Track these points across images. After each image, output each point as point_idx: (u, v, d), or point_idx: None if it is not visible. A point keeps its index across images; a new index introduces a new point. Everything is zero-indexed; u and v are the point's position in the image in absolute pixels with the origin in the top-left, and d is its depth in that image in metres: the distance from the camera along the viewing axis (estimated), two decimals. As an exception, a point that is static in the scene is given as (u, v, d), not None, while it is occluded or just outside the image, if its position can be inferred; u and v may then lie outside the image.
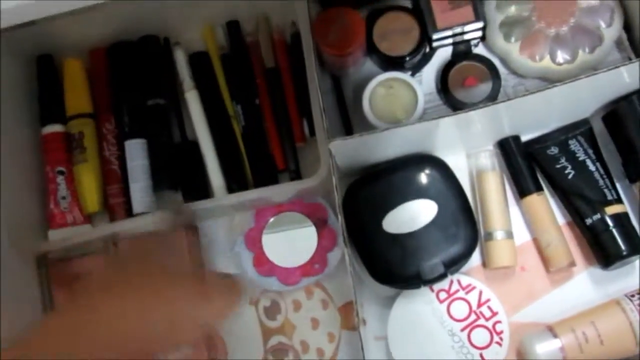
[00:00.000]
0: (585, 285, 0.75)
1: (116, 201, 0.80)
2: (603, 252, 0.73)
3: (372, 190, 0.73)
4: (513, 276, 0.76)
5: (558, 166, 0.75)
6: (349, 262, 0.66)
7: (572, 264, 0.74)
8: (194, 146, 0.80)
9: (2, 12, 0.48)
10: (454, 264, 0.71)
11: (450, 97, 0.76)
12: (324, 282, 0.78)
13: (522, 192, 0.76)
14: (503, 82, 0.76)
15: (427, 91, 0.77)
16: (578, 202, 0.74)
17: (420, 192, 0.72)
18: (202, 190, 0.79)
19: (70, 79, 0.83)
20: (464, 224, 0.72)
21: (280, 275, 0.77)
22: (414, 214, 0.71)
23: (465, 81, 0.75)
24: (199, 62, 0.82)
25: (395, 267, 0.71)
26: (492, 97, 0.75)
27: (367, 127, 0.76)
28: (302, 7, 0.73)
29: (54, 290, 0.79)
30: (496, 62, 0.77)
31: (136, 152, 0.79)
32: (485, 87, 0.76)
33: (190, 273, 0.64)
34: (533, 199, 0.75)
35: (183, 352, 0.73)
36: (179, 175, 0.80)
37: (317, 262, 0.76)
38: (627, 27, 0.76)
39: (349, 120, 0.78)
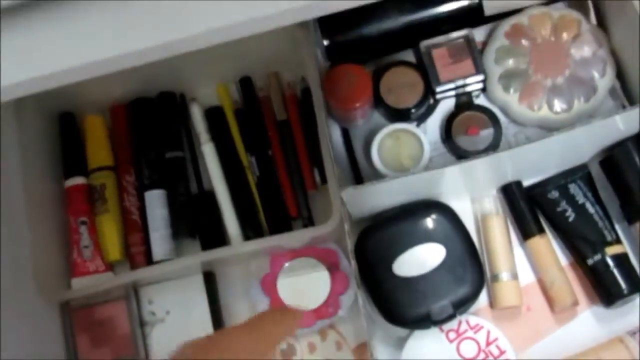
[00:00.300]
0: (589, 324, 0.78)
1: (137, 250, 0.84)
2: (605, 291, 0.76)
3: (382, 235, 0.76)
4: (519, 316, 0.79)
5: (559, 209, 0.79)
6: (362, 304, 0.69)
7: (576, 303, 0.77)
8: (211, 196, 0.84)
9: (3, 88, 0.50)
10: (462, 304, 0.74)
11: (454, 146, 0.80)
12: (338, 324, 0.81)
13: (525, 234, 0.80)
14: (504, 131, 0.80)
15: (432, 140, 0.81)
16: (579, 243, 0.78)
17: (428, 237, 0.75)
18: (219, 237, 0.83)
19: (92, 134, 0.87)
20: (470, 266, 0.75)
21: (295, 319, 0.80)
22: (423, 258, 0.75)
23: (468, 130, 0.79)
24: (214, 116, 0.86)
25: (406, 308, 0.74)
26: (494, 145, 0.79)
27: (376, 175, 0.80)
28: (311, 64, 0.78)
29: (77, 336, 0.82)
30: (497, 111, 0.81)
31: (156, 202, 0.83)
32: (488, 136, 0.80)
33: None
34: (536, 241, 0.79)
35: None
36: (197, 223, 0.84)
37: (331, 305, 0.80)
38: (620, 76, 0.81)
39: (358, 169, 0.82)
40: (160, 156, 0.85)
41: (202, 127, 0.85)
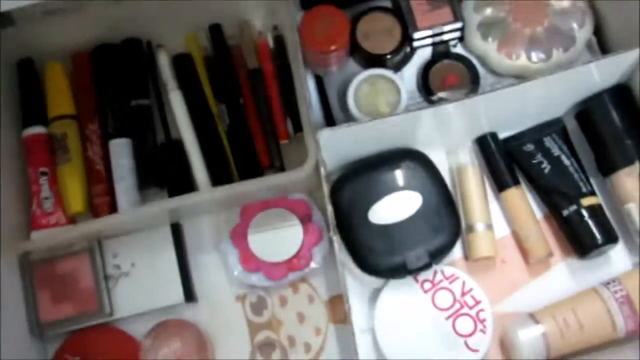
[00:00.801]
0: (563, 275, 0.78)
1: (101, 200, 0.80)
2: (579, 243, 0.76)
3: (357, 183, 0.74)
4: (494, 268, 0.78)
5: (534, 162, 0.78)
6: (338, 250, 0.68)
7: (550, 254, 0.77)
8: (179, 145, 0.81)
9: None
10: (439, 253, 0.73)
11: (431, 95, 0.78)
12: (310, 277, 0.79)
13: (500, 186, 0.79)
14: (481, 81, 0.79)
15: (408, 89, 0.79)
16: (554, 195, 0.77)
17: (404, 184, 0.74)
18: (188, 187, 0.80)
19: (52, 81, 0.83)
20: (447, 214, 0.74)
21: (266, 271, 0.77)
22: (399, 206, 0.73)
23: (446, 80, 0.78)
24: (182, 64, 0.83)
25: (381, 257, 0.73)
26: (471, 94, 0.78)
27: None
28: (286, 8, 0.75)
29: (37, 291, 0.78)
30: (474, 61, 0.80)
31: (121, 151, 0.80)
32: (465, 86, 0.78)
33: None
34: (511, 192, 0.78)
35: (172, 349, 0.74)
36: (164, 173, 0.81)
37: (303, 257, 0.77)
38: (597, 30, 0.80)
39: (333, 118, 0.79)
40: (126, 104, 0.82)
41: (169, 74, 0.82)
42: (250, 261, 0.78)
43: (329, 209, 0.68)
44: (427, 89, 0.78)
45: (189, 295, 0.79)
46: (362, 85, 0.76)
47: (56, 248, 0.79)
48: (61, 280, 0.79)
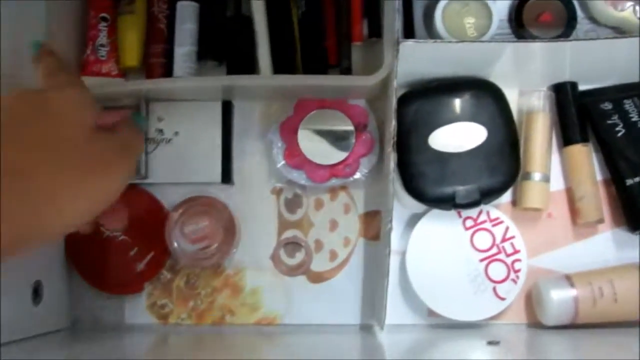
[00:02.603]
0: (608, 245, 0.75)
1: (156, 61, 0.77)
2: (634, 216, 0.73)
3: (425, 103, 0.71)
4: (539, 220, 0.76)
5: (609, 122, 0.74)
6: (392, 168, 0.65)
7: (601, 221, 0.74)
8: (247, 21, 0.76)
9: None
10: (490, 194, 0.70)
11: (521, 29, 0.73)
12: (351, 187, 0.77)
13: (567, 140, 0.75)
14: (577, 25, 0.74)
15: (499, 17, 0.74)
16: (621, 162, 0.73)
17: (473, 116, 0.70)
18: (248, 68, 0.76)
19: None
20: (508, 156, 0.70)
21: (309, 171, 0.75)
22: (462, 136, 0.70)
23: (541, 16, 0.73)
24: (268, -64, 0.78)
25: (432, 184, 0.70)
26: (563, 37, 0.73)
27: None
28: None
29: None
30: (575, 3, 0.74)
31: (187, 15, 0.76)
32: (558, 27, 0.73)
33: None
34: (577, 149, 0.74)
35: (199, 226, 0.72)
36: (226, 48, 0.77)
37: (349, 165, 0.75)
38: None
39: (413, 29, 0.75)
40: (202, -34, 0.77)
41: (253, -56, 0.77)
42: (295, 157, 0.75)
43: (393, 123, 0.65)
44: (519, 21, 0.73)
45: (226, 176, 0.77)
46: (452, 3, 0.71)
47: (102, 99, 0.76)
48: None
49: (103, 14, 0.77)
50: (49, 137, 0.48)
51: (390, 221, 0.64)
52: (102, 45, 0.77)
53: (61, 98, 0.51)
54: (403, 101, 0.71)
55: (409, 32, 0.75)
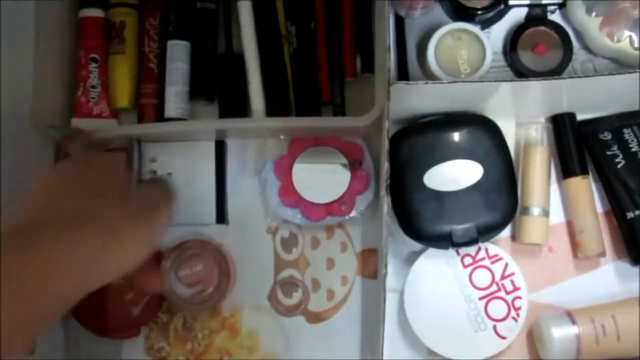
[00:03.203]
0: (610, 278, 0.74)
1: (148, 101, 0.76)
2: (637, 249, 0.71)
3: (419, 141, 0.70)
4: (539, 255, 0.74)
5: (609, 153, 0.73)
6: (386, 211, 0.64)
7: (603, 254, 0.73)
8: (239, 59, 0.76)
9: None
10: (488, 231, 0.69)
11: (516, 61, 0.72)
12: (348, 224, 0.76)
13: (566, 172, 0.74)
14: (573, 56, 0.72)
15: (493, 49, 0.73)
16: (622, 194, 0.72)
17: (469, 153, 0.69)
18: (240, 107, 0.76)
19: (118, -36, 0.78)
20: (506, 193, 0.69)
21: (304, 209, 0.74)
22: (458, 174, 0.69)
23: (536, 47, 0.72)
24: (257, -28, 0.77)
25: (428, 223, 0.69)
26: (560, 70, 0.72)
27: (424, 75, 0.73)
28: None
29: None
30: (570, 33, 0.73)
31: (178, 54, 0.75)
32: (554, 58, 0.72)
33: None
34: (577, 181, 0.73)
35: (193, 270, 0.71)
36: (218, 86, 0.76)
37: (345, 202, 0.74)
38: None
39: (406, 64, 0.74)
40: (191, 4, 0.76)
41: (243, -19, 0.76)
42: (290, 195, 0.74)
43: (386, 165, 0.63)
44: (513, 53, 0.72)
45: (221, 216, 0.76)
46: (446, 37, 0.70)
47: (96, 141, 0.75)
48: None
49: (93, 55, 0.77)
50: (101, 187, 0.53)
51: (385, 266, 0.63)
52: (93, 87, 0.77)
53: (96, 159, 0.60)
54: (397, 139, 0.70)
55: (402, 68, 0.74)
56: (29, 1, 0.70)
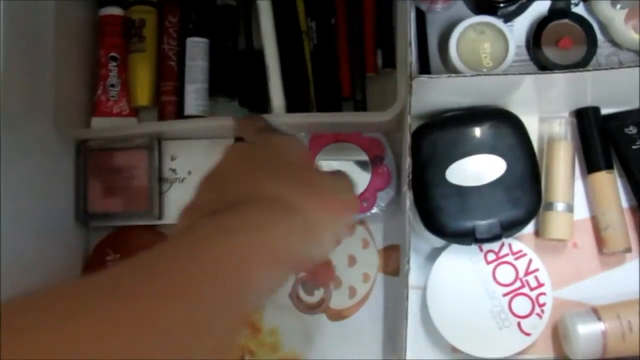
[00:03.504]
0: (635, 274, 0.73)
1: (168, 99, 0.76)
2: (663, 244, 0.70)
3: (441, 136, 0.69)
4: (564, 251, 0.73)
5: (634, 147, 0.72)
6: (409, 207, 0.63)
7: (628, 250, 0.72)
8: (259, 56, 0.75)
9: None
10: (511, 227, 0.68)
11: (539, 55, 0.71)
12: (369, 221, 0.75)
13: (591, 167, 0.73)
14: (598, 50, 0.71)
15: (516, 43, 0.72)
16: (648, 188, 0.71)
17: (492, 148, 0.68)
18: (260, 103, 0.75)
19: (138, -38, 0.78)
20: (529, 188, 0.68)
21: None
22: (481, 169, 0.68)
23: (560, 41, 0.71)
24: (277, -32, 0.76)
25: (451, 219, 0.68)
26: (584, 63, 0.71)
27: (446, 69, 0.72)
28: None
29: (89, 180, 0.76)
30: (595, 26, 0.72)
31: (198, 51, 0.75)
32: (578, 51, 0.71)
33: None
34: (601, 176, 0.72)
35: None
36: (238, 83, 0.76)
37: (366, 199, 0.73)
38: None
39: (428, 59, 0.73)
40: (211, 2, 0.76)
41: (262, -22, 0.76)
42: (310, 193, 0.74)
43: (408, 160, 0.63)
44: (537, 47, 0.71)
45: (241, 214, 0.75)
46: (468, 31, 0.69)
47: (115, 139, 0.76)
48: (115, 172, 0.76)
49: (113, 53, 0.77)
50: (290, 170, 0.46)
51: (408, 262, 0.63)
52: (112, 85, 0.77)
53: (274, 139, 0.51)
54: (419, 134, 0.69)
55: (423, 62, 0.73)
56: (49, 1, 0.70)
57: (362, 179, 0.73)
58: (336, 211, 0.47)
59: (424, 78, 0.62)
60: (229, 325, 0.37)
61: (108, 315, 0.31)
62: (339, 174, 0.52)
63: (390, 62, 0.73)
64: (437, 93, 0.67)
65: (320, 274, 0.56)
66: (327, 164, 0.73)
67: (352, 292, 0.75)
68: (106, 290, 0.33)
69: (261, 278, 0.39)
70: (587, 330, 0.68)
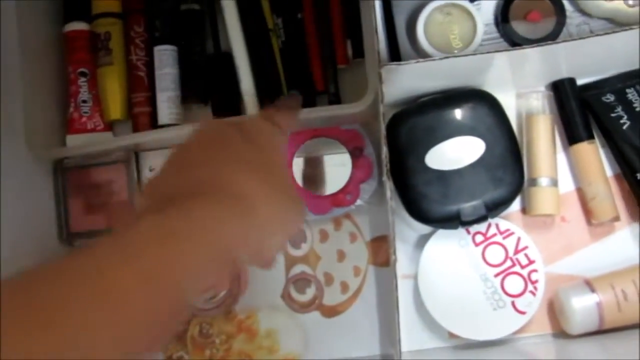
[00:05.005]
0: (627, 242, 0.72)
1: (141, 110, 0.75)
2: (651, 209, 0.70)
3: (417, 122, 0.68)
4: (552, 226, 0.73)
5: (613, 115, 0.71)
6: (390, 197, 0.62)
7: (617, 218, 0.71)
8: (228, 58, 0.75)
9: None
10: (496, 207, 0.67)
11: (509, 31, 0.70)
12: (355, 214, 0.75)
13: (572, 139, 0.72)
14: (567, 20, 0.71)
15: (484, 22, 0.71)
16: (631, 155, 0.70)
17: (469, 129, 0.67)
18: (234, 105, 0.74)
19: (98, -26, 0.77)
20: (511, 166, 0.67)
21: (309, 203, 0.73)
22: (460, 151, 0.67)
23: (529, 15, 0.70)
24: (238, -33, 0.76)
25: (435, 204, 0.67)
26: (554, 35, 0.70)
27: (417, 55, 0.71)
28: None
29: (69, 199, 0.75)
30: (562, -3, 0.71)
31: (166, 59, 0.74)
32: (548, 24, 0.70)
33: None
34: (583, 147, 0.71)
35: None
36: (209, 87, 0.75)
37: (350, 192, 0.73)
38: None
39: (397, 45, 0.72)
40: (175, 8, 0.75)
41: (224, -21, 0.75)
42: (293, 191, 0.73)
43: (384, 150, 0.62)
44: (505, 23, 0.70)
45: (226, 219, 0.75)
46: (434, 14, 0.69)
47: (91, 155, 0.75)
48: (95, 189, 0.75)
49: (82, 69, 0.76)
50: (258, 162, 0.46)
51: (394, 252, 0.62)
52: (84, 101, 0.76)
53: (255, 126, 0.50)
54: (395, 122, 0.69)
55: (393, 49, 0.72)
56: (12, 22, 0.69)
57: (343, 173, 0.72)
58: (287, 218, 0.47)
59: (392, 65, 0.61)
60: (157, 331, 0.37)
61: (36, 317, 0.32)
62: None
63: (360, 52, 0.72)
64: (409, 79, 0.66)
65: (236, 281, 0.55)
66: (303, 163, 0.72)
67: (344, 287, 0.74)
68: (36, 291, 0.33)
69: (197, 282, 0.40)
70: (582, 304, 0.67)
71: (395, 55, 0.72)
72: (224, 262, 0.42)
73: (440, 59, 0.61)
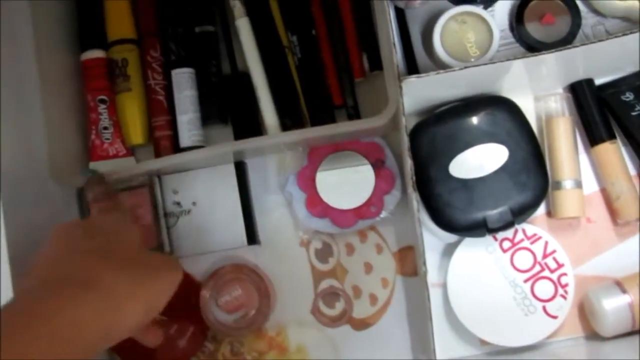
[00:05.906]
0: (653, 240, 0.72)
1: (162, 134, 0.76)
2: (677, 206, 0.69)
3: (439, 131, 0.68)
4: (578, 227, 0.73)
5: (633, 113, 0.71)
6: (416, 208, 0.62)
7: (643, 217, 0.71)
8: (245, 77, 0.75)
9: None
10: (522, 212, 0.67)
11: (524, 35, 0.70)
12: (380, 226, 0.75)
13: (593, 139, 0.72)
14: (582, 21, 0.71)
15: (499, 27, 0.72)
16: (653, 153, 0.70)
17: (490, 135, 0.68)
18: (254, 124, 0.75)
19: (113, 2, 0.77)
20: (534, 171, 0.68)
21: (334, 217, 0.73)
22: (483, 159, 0.67)
23: (543, 18, 0.70)
24: (251, -12, 0.76)
25: (460, 213, 0.67)
26: (570, 37, 0.70)
27: (433, 65, 0.72)
28: None
29: (95, 225, 0.75)
30: (576, -1, 0.71)
31: (184, 82, 0.75)
32: (563, 25, 0.70)
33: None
34: (605, 147, 0.71)
35: (233, 296, 0.71)
36: (229, 107, 0.76)
37: (374, 204, 0.73)
38: None
39: (414, 56, 0.73)
40: (189, 30, 0.76)
41: (237, -1, 0.75)
42: (317, 206, 0.73)
43: (409, 162, 0.62)
44: (520, 27, 0.71)
45: (252, 237, 0.75)
46: (450, 23, 0.69)
47: (115, 182, 0.75)
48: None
49: (101, 96, 0.76)
50: (106, 252, 0.53)
51: (424, 263, 0.62)
52: (105, 128, 0.76)
53: (108, 220, 0.59)
54: (416, 133, 0.69)
55: (410, 60, 0.73)
56: (30, 54, 0.69)
57: (366, 185, 0.73)
58: (152, 294, 0.54)
59: (412, 78, 0.61)
60: None
61: None
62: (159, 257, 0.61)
63: (376, 64, 0.73)
64: (428, 89, 0.67)
65: (149, 334, 0.61)
66: (326, 176, 0.73)
67: (373, 299, 0.74)
68: None
69: (67, 348, 0.45)
70: (613, 305, 0.67)
71: (412, 65, 0.72)
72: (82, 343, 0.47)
73: (460, 69, 0.61)
